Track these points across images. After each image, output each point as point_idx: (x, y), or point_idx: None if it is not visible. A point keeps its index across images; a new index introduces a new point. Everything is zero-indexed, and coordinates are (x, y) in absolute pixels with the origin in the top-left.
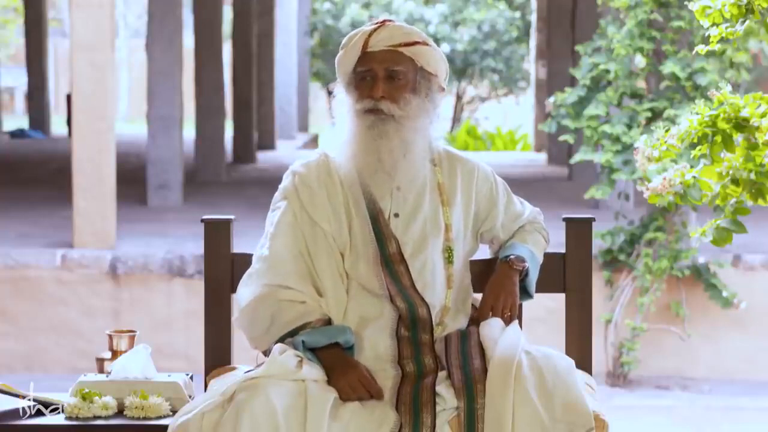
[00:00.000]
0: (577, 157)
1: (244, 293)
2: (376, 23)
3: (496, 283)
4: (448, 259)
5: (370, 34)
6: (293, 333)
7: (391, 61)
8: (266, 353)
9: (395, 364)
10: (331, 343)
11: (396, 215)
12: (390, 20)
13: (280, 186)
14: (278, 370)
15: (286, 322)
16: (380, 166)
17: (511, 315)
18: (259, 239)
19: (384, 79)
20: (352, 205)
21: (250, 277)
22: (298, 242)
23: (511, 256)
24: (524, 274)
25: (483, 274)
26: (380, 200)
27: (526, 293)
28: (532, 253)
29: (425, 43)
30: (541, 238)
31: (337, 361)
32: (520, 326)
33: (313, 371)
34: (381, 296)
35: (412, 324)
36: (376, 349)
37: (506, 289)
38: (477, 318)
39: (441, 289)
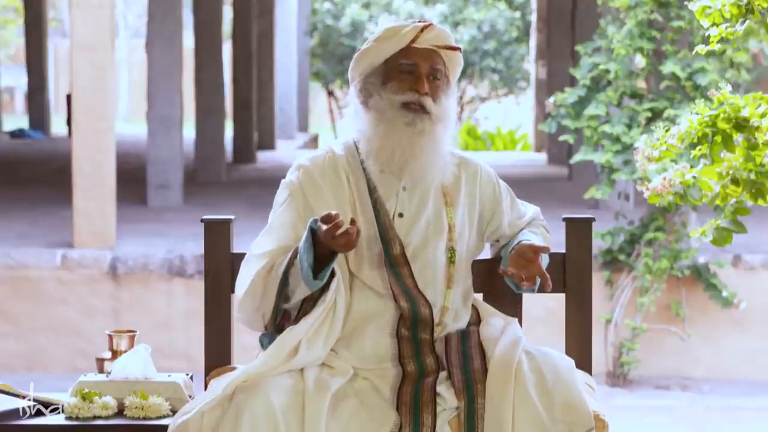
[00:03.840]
0: (577, 157)
1: (238, 288)
2: (423, 23)
3: (521, 253)
4: (450, 259)
5: (422, 30)
6: (285, 277)
7: (435, 61)
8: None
9: (396, 362)
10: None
11: (400, 215)
12: (431, 22)
13: (285, 180)
14: (274, 361)
15: (274, 279)
16: (402, 160)
17: (544, 277)
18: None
19: (427, 76)
20: (358, 204)
21: (242, 270)
22: (298, 239)
23: (528, 241)
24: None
25: (484, 274)
26: (386, 201)
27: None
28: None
29: (460, 50)
30: (545, 233)
31: (319, 241)
32: (520, 326)
33: (308, 356)
34: (384, 296)
35: (413, 324)
36: (377, 348)
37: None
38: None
39: (440, 289)
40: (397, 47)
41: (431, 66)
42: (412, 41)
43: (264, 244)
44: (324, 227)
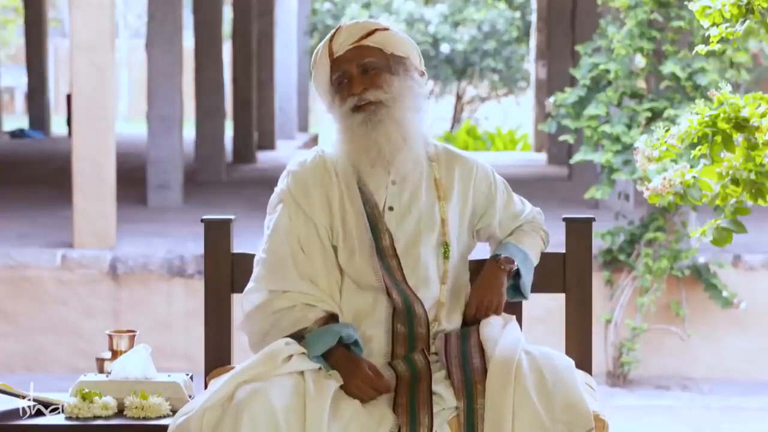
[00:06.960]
0: (577, 157)
1: (248, 300)
2: (332, 32)
3: (483, 281)
4: (445, 255)
5: (331, 41)
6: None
7: (360, 56)
8: None
9: (386, 363)
10: (333, 345)
11: (390, 208)
12: (343, 24)
13: (276, 188)
14: (270, 365)
15: (281, 329)
16: (380, 157)
17: (496, 314)
18: (259, 239)
19: (359, 74)
20: (347, 199)
21: (252, 283)
22: (294, 243)
23: (501, 256)
24: (513, 274)
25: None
26: (375, 193)
27: (520, 294)
28: (525, 254)
29: (385, 29)
30: (538, 238)
31: (340, 363)
32: (520, 326)
33: (302, 363)
34: (376, 289)
35: (408, 318)
36: (370, 346)
37: (493, 288)
38: (464, 315)
39: (435, 285)
40: (326, 68)
41: (358, 63)
42: (331, 55)
43: (262, 275)
44: (369, 374)
